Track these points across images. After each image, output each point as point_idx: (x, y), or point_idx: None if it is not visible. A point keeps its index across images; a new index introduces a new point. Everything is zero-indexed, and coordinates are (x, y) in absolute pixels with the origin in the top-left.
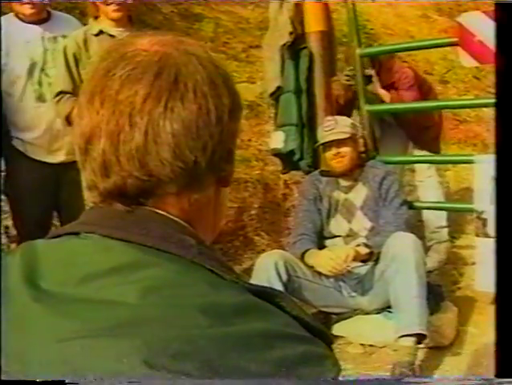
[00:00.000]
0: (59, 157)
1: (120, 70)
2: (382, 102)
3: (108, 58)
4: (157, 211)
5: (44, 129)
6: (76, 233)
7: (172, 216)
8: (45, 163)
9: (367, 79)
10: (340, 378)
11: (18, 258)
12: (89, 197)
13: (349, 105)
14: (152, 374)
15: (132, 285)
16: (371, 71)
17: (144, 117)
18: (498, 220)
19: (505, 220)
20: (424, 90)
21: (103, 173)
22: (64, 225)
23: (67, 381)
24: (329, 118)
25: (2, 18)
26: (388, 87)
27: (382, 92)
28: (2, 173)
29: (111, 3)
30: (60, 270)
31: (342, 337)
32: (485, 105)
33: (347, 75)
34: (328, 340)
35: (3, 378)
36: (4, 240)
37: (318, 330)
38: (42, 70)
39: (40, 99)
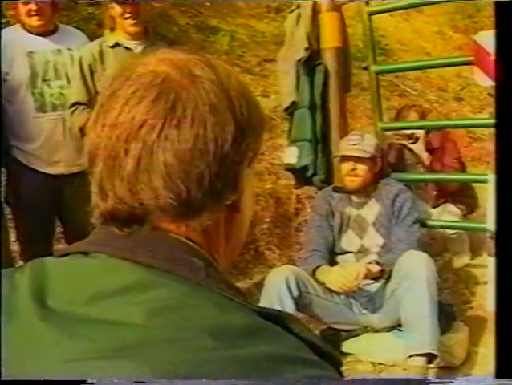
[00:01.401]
0: (59, 169)
1: (124, 92)
2: (421, 163)
3: (119, 77)
4: (167, 232)
5: (44, 140)
6: (85, 253)
7: (180, 238)
8: (46, 174)
9: (415, 139)
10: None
11: (27, 275)
12: (93, 216)
13: (397, 164)
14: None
15: (139, 306)
16: (420, 132)
17: (138, 144)
18: (499, 239)
19: (506, 239)
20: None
21: (101, 196)
22: (69, 240)
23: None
24: (356, 132)
25: (8, 29)
26: (431, 151)
27: (424, 155)
28: (3, 184)
29: (129, 17)
30: (68, 289)
31: (351, 354)
32: (485, 125)
33: (410, 136)
34: (337, 362)
35: (3, 378)
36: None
37: (327, 352)
38: (44, 80)
39: (41, 109)
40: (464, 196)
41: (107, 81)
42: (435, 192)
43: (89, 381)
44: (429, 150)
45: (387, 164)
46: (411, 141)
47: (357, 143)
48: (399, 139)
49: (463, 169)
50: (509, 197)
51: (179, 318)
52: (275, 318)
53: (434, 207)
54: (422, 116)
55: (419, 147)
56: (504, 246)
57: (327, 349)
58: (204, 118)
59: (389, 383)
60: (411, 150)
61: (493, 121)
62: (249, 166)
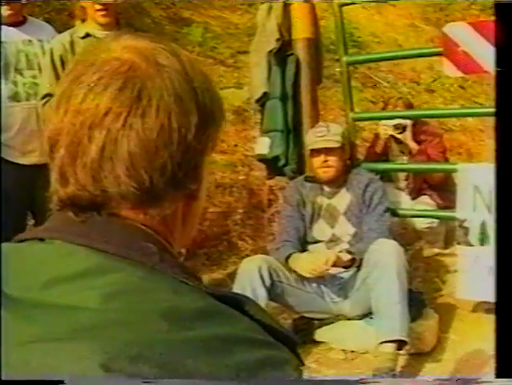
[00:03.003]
0: (33, 158)
1: (88, 79)
2: (409, 152)
3: (81, 62)
4: (121, 218)
5: (17, 129)
6: (41, 239)
7: (135, 224)
8: (19, 164)
9: (402, 128)
10: (342, 378)
11: None
12: (52, 201)
13: (383, 155)
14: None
15: (94, 291)
16: (407, 122)
17: (103, 132)
18: (498, 228)
19: (504, 229)
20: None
21: (61, 182)
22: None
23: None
24: (321, 124)
25: None
26: (418, 143)
27: (412, 144)
28: None
29: (100, 8)
30: (24, 276)
31: (324, 342)
32: (487, 114)
33: (397, 127)
34: (292, 344)
35: (3, 378)
36: None
37: (282, 333)
38: (17, 70)
39: (15, 98)
40: (446, 190)
41: (68, 66)
42: (414, 184)
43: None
44: (416, 141)
45: (371, 154)
46: (397, 131)
47: (324, 135)
48: (385, 130)
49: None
50: (509, 185)
51: (134, 301)
52: (231, 300)
53: (414, 198)
54: (409, 108)
55: (406, 136)
56: (505, 235)
57: (283, 330)
58: (169, 108)
59: None
60: (397, 140)
61: (493, 110)
62: (207, 155)
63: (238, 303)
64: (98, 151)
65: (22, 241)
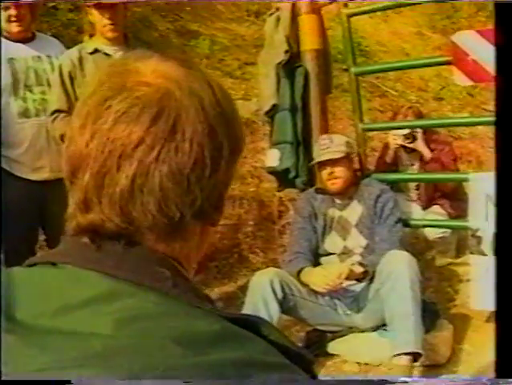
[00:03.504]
0: (43, 174)
1: (117, 104)
2: (421, 160)
3: (107, 83)
4: (137, 244)
5: (27, 146)
6: (53, 263)
7: (147, 248)
8: (29, 180)
9: (412, 137)
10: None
11: None
12: (67, 226)
13: (393, 165)
14: None
15: (107, 317)
16: (418, 130)
17: (134, 163)
18: (498, 237)
19: (504, 238)
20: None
21: (82, 208)
22: (51, 247)
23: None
24: (324, 136)
25: None
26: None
27: (425, 150)
28: None
29: (108, 23)
30: (36, 301)
31: (337, 355)
32: (484, 123)
33: (407, 136)
34: (308, 363)
35: (3, 378)
36: None
37: (298, 353)
38: (26, 86)
39: (24, 114)
40: (458, 199)
41: (92, 85)
42: (425, 194)
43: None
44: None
45: (381, 164)
46: (408, 141)
47: (328, 147)
48: (395, 140)
49: (458, 171)
50: (509, 195)
51: (147, 327)
52: (245, 322)
53: (425, 208)
54: (419, 117)
55: (419, 144)
56: (504, 244)
57: (298, 350)
58: (202, 141)
59: None
60: (407, 150)
61: (493, 119)
62: (231, 184)
63: (252, 325)
64: (128, 182)
65: (33, 264)
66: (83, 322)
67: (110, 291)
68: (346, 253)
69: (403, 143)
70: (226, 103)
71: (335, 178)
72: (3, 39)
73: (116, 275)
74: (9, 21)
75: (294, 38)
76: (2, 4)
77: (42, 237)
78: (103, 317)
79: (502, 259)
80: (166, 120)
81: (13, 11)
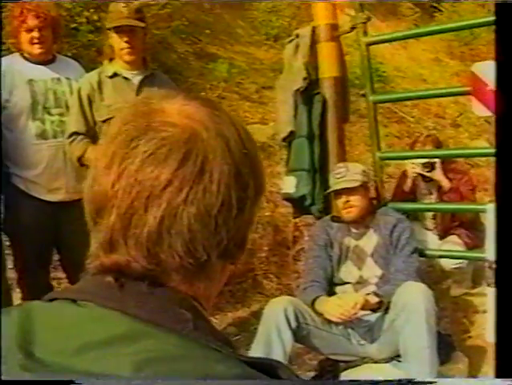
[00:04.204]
0: (59, 196)
1: (144, 145)
2: (439, 190)
3: (132, 123)
4: (160, 284)
5: (44, 167)
6: (73, 300)
7: (170, 288)
8: (45, 201)
9: (431, 166)
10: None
11: (15, 322)
12: (89, 264)
13: (411, 194)
14: None
15: (127, 358)
16: (436, 160)
17: (162, 205)
18: (499, 269)
19: (506, 269)
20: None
21: (107, 248)
22: (65, 267)
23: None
24: (340, 165)
25: (7, 57)
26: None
27: (444, 180)
28: (2, 211)
29: (126, 46)
30: (55, 339)
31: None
32: (486, 154)
33: (425, 165)
34: None
35: (3, 378)
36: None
37: None
38: (45, 108)
39: (42, 136)
40: (475, 229)
41: (116, 124)
42: (442, 224)
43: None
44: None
45: (399, 192)
46: (426, 170)
47: (344, 176)
48: (413, 168)
49: (476, 201)
50: (509, 226)
51: (166, 370)
52: (263, 366)
53: (442, 238)
54: (437, 146)
55: (437, 174)
56: (505, 275)
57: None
58: (229, 183)
59: None
60: (426, 178)
61: (493, 150)
62: (254, 224)
63: (272, 369)
64: (156, 224)
65: (53, 299)
66: (102, 363)
67: (130, 332)
68: (361, 282)
69: (421, 172)
70: (250, 144)
71: (351, 207)
72: (23, 60)
73: (138, 315)
74: (31, 43)
75: (312, 65)
76: (23, 26)
77: (56, 257)
78: (122, 358)
79: (503, 293)
80: (194, 162)
81: (36, 34)
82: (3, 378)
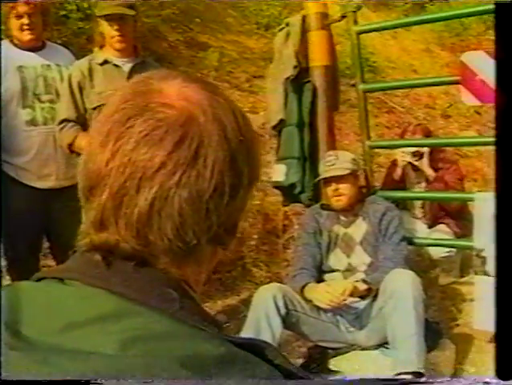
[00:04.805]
0: (49, 182)
1: (140, 125)
2: (426, 180)
3: (130, 102)
4: (147, 264)
5: (34, 153)
6: (60, 279)
7: (157, 268)
8: (35, 188)
9: (420, 155)
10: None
11: (2, 301)
12: (78, 242)
13: (401, 182)
14: None
15: (113, 336)
16: (425, 149)
17: (154, 187)
18: (498, 258)
19: (505, 259)
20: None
21: (97, 227)
22: (56, 255)
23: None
24: (330, 153)
25: None
26: (436, 170)
27: (429, 171)
28: None
29: (116, 34)
30: (42, 318)
31: (339, 372)
32: (485, 143)
33: (414, 154)
34: None
35: (3, 378)
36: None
37: (301, 378)
38: (35, 94)
39: (32, 123)
40: (463, 218)
41: (114, 102)
42: (431, 213)
43: (93, 381)
44: (433, 168)
45: (389, 181)
46: (415, 158)
47: (333, 164)
48: (403, 157)
49: (464, 191)
50: (509, 216)
51: (152, 348)
52: (250, 346)
53: (430, 227)
54: (427, 135)
55: (423, 163)
56: (504, 266)
57: (302, 374)
58: (223, 169)
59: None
60: (415, 167)
61: (493, 139)
62: (246, 210)
63: (258, 349)
64: (147, 205)
65: (40, 279)
66: (88, 341)
67: (116, 310)
68: (350, 270)
69: (411, 161)
70: (247, 131)
71: (340, 195)
72: (13, 47)
73: (124, 294)
74: (21, 29)
75: (303, 53)
76: (13, 12)
77: (46, 245)
78: (109, 336)
79: (502, 282)
80: (189, 146)
81: (25, 20)
82: (3, 378)
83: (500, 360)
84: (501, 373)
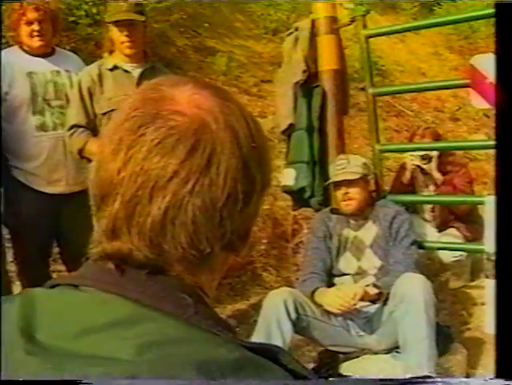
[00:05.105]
0: (59, 188)
1: (152, 133)
2: (435, 183)
3: (141, 109)
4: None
5: (44, 159)
6: (75, 285)
7: (170, 275)
8: (45, 193)
9: (428, 159)
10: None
11: (17, 307)
12: (91, 250)
13: (410, 186)
14: None
15: (128, 341)
16: (433, 152)
17: (167, 195)
18: (499, 261)
19: (506, 261)
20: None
21: (109, 235)
22: (66, 260)
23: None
24: (342, 156)
25: (7, 50)
26: (444, 173)
27: (437, 174)
28: (2, 204)
29: (126, 40)
30: (57, 323)
31: (349, 376)
32: (486, 147)
33: (423, 157)
34: None
35: (3, 378)
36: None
37: (316, 383)
38: (45, 100)
39: (42, 128)
40: (473, 222)
41: (124, 109)
42: (441, 216)
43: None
44: (442, 172)
45: (398, 185)
46: (424, 162)
47: (344, 167)
48: (412, 160)
49: (473, 194)
50: (509, 219)
51: (167, 353)
52: (263, 351)
53: (440, 231)
54: (436, 138)
55: (431, 167)
56: (505, 268)
57: (316, 379)
58: (236, 177)
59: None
60: (424, 171)
61: (493, 142)
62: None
63: (271, 354)
64: (160, 214)
65: (54, 286)
66: (104, 346)
67: (131, 316)
68: (360, 273)
69: (420, 164)
70: (259, 137)
71: (350, 199)
72: (23, 53)
73: (139, 300)
74: (31, 36)
75: (312, 58)
76: (23, 18)
77: (56, 250)
78: (124, 341)
79: (503, 285)
80: (202, 154)
81: (35, 26)
82: (3, 378)
83: (500, 360)
84: (501, 372)
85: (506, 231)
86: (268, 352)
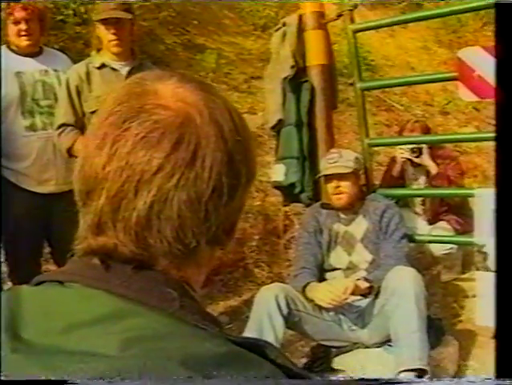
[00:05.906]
0: (49, 187)
1: (136, 127)
2: (427, 175)
3: (125, 104)
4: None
5: (34, 158)
6: (60, 282)
7: (156, 270)
8: (35, 193)
9: (419, 151)
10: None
11: (2, 305)
12: (76, 246)
13: (400, 179)
14: None
15: (113, 336)
16: (423, 145)
17: (153, 190)
18: (498, 253)
19: (505, 254)
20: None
21: (94, 231)
22: (57, 259)
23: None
24: (334, 150)
25: None
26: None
27: (430, 164)
28: None
29: (113, 38)
30: (42, 320)
31: (342, 371)
32: (485, 139)
33: (413, 150)
34: None
35: (3, 378)
36: None
37: (303, 378)
38: (34, 100)
39: (31, 128)
40: (464, 214)
41: (109, 104)
42: (431, 209)
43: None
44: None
45: (388, 178)
46: (414, 155)
47: (336, 161)
48: (402, 154)
49: (463, 187)
50: (509, 211)
51: (152, 348)
52: (251, 345)
53: (431, 224)
54: (426, 132)
55: (425, 158)
56: (505, 260)
57: (304, 375)
58: (221, 170)
59: None
60: (414, 164)
61: (493, 135)
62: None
63: (259, 348)
64: (145, 209)
65: (40, 283)
66: (89, 342)
67: (117, 311)
68: (351, 268)
69: (410, 157)
70: (244, 130)
71: (341, 193)
72: (10, 53)
73: (124, 295)
74: (18, 35)
75: (300, 53)
76: (10, 18)
77: (47, 250)
78: (109, 336)
79: (503, 277)
80: (186, 147)
81: (23, 26)
82: (3, 378)
83: (499, 359)
84: (500, 372)
85: (506, 224)
86: (255, 347)
